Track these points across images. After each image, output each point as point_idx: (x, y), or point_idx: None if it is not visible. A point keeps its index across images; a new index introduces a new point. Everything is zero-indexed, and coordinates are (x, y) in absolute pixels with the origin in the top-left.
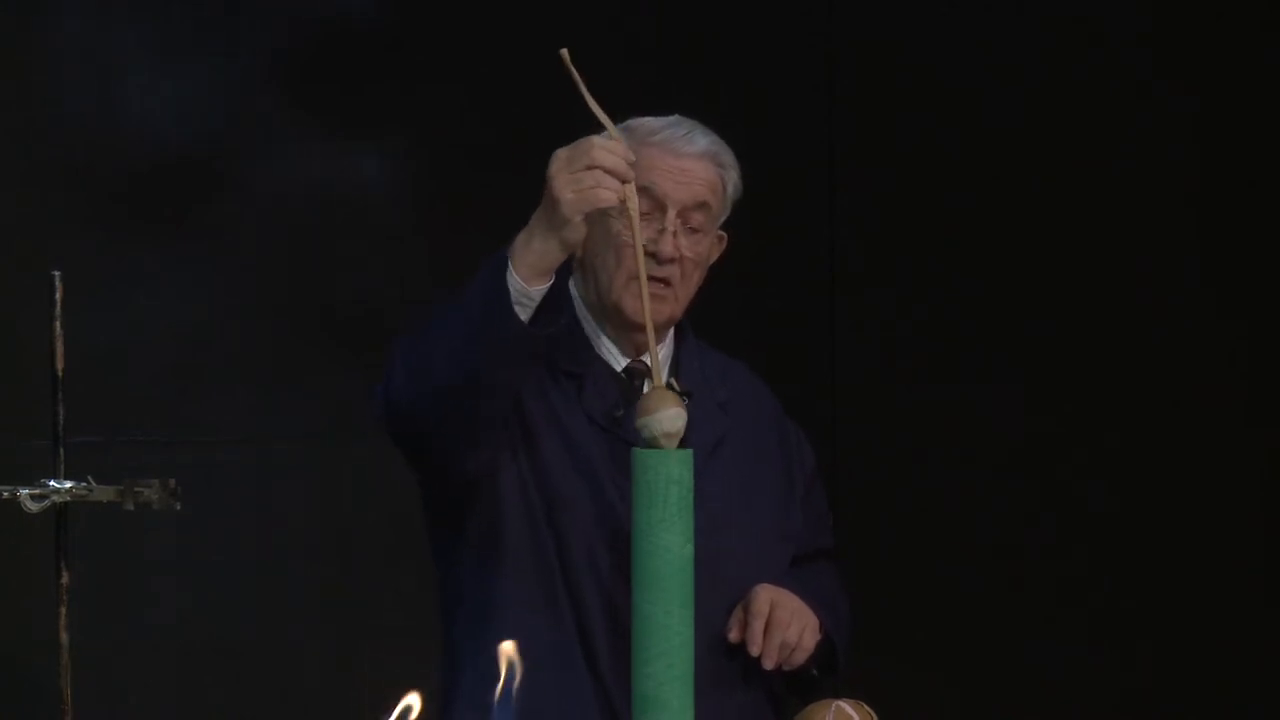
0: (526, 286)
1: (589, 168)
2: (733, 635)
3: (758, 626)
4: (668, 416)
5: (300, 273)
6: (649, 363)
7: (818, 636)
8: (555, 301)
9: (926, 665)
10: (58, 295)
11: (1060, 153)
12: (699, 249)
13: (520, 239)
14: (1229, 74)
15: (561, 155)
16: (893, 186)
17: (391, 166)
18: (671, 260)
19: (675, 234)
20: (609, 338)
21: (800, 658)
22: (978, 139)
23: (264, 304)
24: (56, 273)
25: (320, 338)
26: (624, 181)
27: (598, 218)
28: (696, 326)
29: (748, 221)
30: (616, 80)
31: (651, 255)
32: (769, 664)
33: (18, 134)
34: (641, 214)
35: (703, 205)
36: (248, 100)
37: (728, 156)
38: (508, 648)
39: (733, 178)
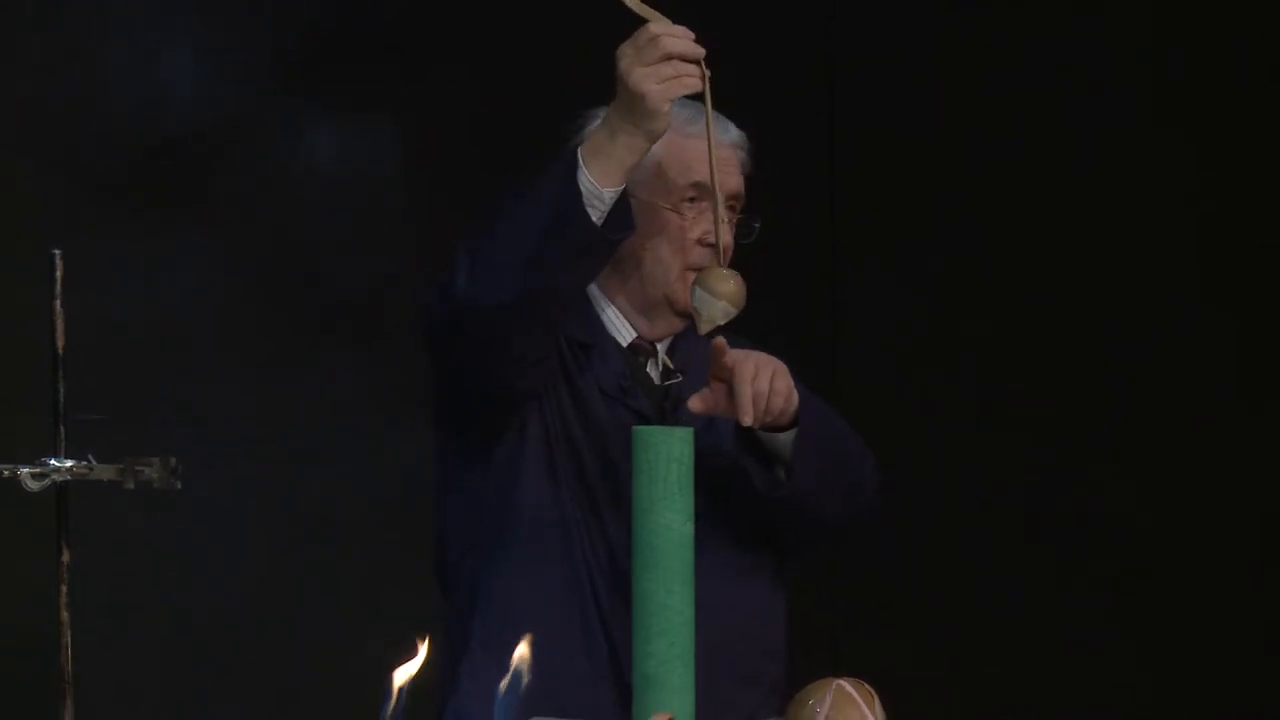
0: (600, 188)
1: (664, 57)
2: (694, 405)
3: (743, 391)
4: (719, 307)
5: (302, 254)
6: (655, 343)
7: (790, 380)
8: (623, 209)
9: (926, 648)
10: (58, 274)
11: (1060, 150)
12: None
13: (600, 137)
14: (1226, 76)
15: (629, 51)
16: (893, 183)
17: (395, 152)
18: (728, 249)
19: (729, 223)
20: (621, 316)
21: (779, 403)
22: (978, 136)
23: (266, 284)
24: (57, 251)
25: (322, 319)
26: (696, 62)
27: (646, 209)
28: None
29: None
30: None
31: (711, 247)
32: (749, 419)
33: (20, 112)
34: (693, 200)
35: (739, 194)
36: (254, 82)
37: (741, 138)
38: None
39: (744, 158)
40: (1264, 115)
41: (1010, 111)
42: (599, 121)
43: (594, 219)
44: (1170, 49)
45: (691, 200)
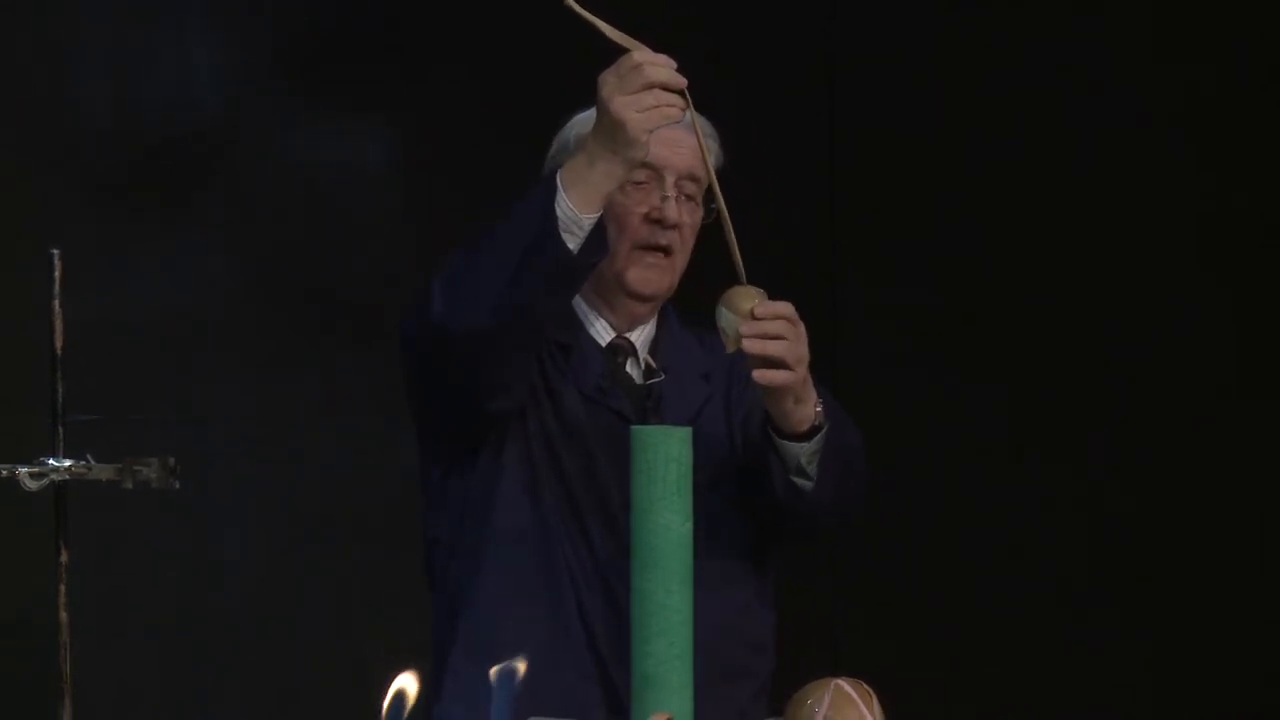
0: (579, 214)
1: (646, 86)
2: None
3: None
4: (737, 324)
5: (300, 253)
6: (634, 339)
7: (803, 377)
8: (599, 233)
9: (926, 648)
10: (57, 274)
11: (1060, 150)
12: (695, 217)
13: (578, 163)
14: (1226, 76)
15: (610, 79)
16: (893, 183)
17: (393, 149)
18: (674, 227)
19: (676, 200)
20: (595, 312)
21: (777, 378)
22: (978, 136)
23: (264, 283)
24: (56, 251)
25: (320, 317)
26: (678, 91)
27: None
28: (698, 323)
29: (748, 215)
30: None
31: (656, 222)
32: (749, 347)
33: (19, 113)
34: (639, 183)
35: (694, 175)
36: (251, 81)
37: (708, 126)
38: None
39: (713, 148)
40: (1264, 115)
41: (1010, 111)
42: (565, 135)
43: (571, 246)
44: (1170, 49)
45: (638, 184)
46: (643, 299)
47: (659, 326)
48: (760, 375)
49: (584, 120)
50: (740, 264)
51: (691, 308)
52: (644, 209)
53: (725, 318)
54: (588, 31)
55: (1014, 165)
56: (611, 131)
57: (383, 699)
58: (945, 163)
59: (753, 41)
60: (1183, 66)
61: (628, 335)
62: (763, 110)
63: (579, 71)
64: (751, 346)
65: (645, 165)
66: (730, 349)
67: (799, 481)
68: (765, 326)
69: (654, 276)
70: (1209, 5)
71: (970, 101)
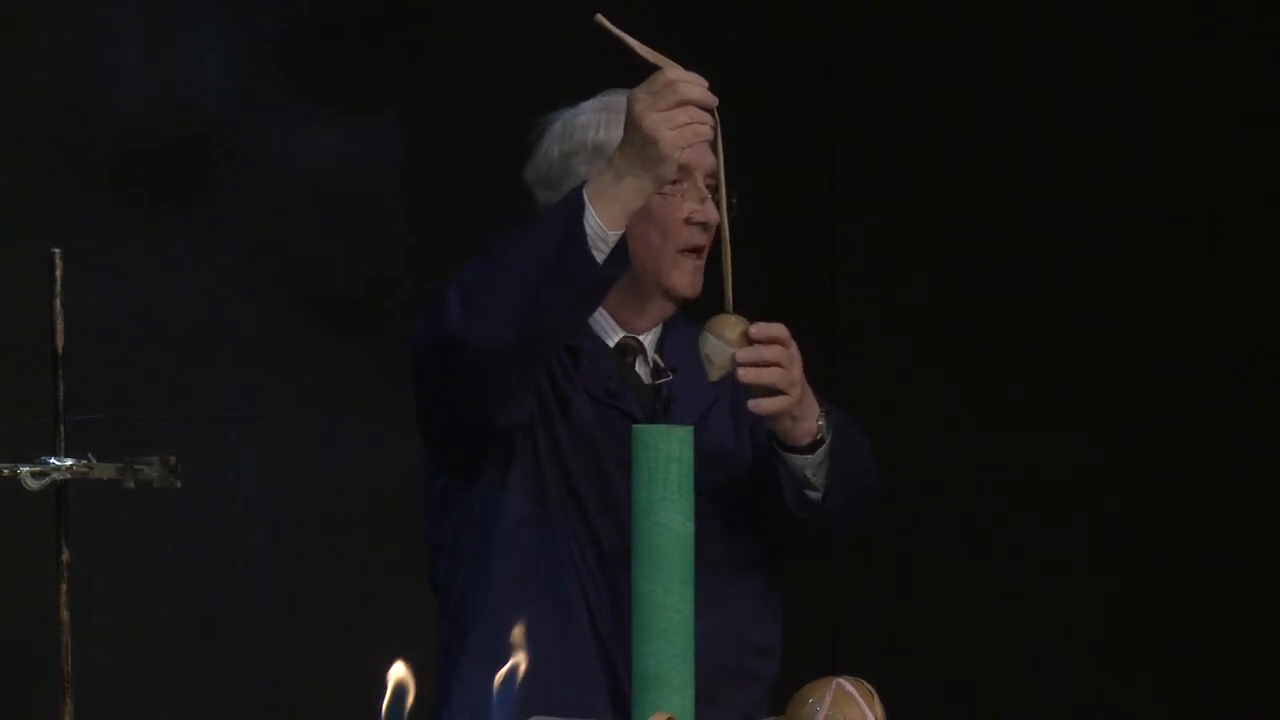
0: (606, 230)
1: (679, 103)
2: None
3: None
4: (729, 353)
5: (302, 250)
6: (642, 338)
7: (797, 399)
8: (621, 248)
9: (926, 648)
10: (58, 272)
11: (1060, 150)
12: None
13: (606, 179)
14: (1227, 76)
15: (643, 96)
16: (893, 184)
17: (395, 145)
18: (711, 227)
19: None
20: (604, 313)
21: (772, 405)
22: (977, 137)
23: (266, 281)
24: (57, 250)
25: (322, 315)
26: (709, 109)
27: None
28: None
29: (748, 218)
30: (616, 77)
31: (700, 225)
32: (745, 376)
33: (18, 109)
34: (675, 183)
35: (714, 173)
36: (251, 77)
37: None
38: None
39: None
40: (1265, 115)
41: (1010, 111)
42: (573, 138)
43: (598, 261)
44: (1170, 49)
45: (674, 183)
46: (685, 301)
47: (666, 326)
48: (755, 405)
49: (591, 124)
50: (730, 290)
51: (691, 308)
52: (684, 213)
53: (710, 344)
54: (591, 33)
55: (1014, 165)
56: (642, 148)
57: (382, 698)
58: (944, 164)
59: (753, 41)
60: (1183, 66)
61: (637, 335)
62: (763, 110)
63: (580, 72)
64: (746, 376)
65: (683, 167)
66: (713, 377)
67: (809, 493)
68: (761, 353)
69: (698, 279)
70: (1210, 5)
71: (970, 102)
